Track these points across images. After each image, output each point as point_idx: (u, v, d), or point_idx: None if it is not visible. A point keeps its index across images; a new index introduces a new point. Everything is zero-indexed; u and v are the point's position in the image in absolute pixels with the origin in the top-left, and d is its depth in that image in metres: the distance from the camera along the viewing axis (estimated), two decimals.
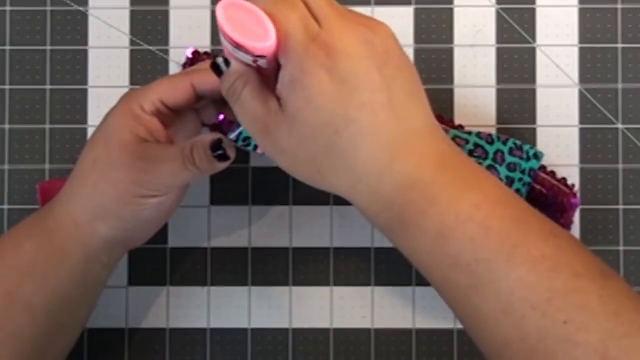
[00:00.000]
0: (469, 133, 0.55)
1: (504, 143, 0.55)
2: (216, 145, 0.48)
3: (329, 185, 0.46)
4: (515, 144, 0.55)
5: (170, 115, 0.51)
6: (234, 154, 0.49)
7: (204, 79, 0.50)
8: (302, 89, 0.43)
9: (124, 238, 0.51)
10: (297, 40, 0.43)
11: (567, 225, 0.57)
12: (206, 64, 0.49)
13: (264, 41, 0.42)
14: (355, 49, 0.43)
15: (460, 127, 0.58)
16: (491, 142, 0.55)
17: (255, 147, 0.49)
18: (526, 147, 0.56)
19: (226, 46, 0.45)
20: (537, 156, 0.56)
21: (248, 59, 0.44)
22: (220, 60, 0.46)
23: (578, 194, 0.58)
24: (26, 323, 0.49)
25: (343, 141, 0.44)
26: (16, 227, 0.52)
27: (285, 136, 0.44)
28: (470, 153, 0.54)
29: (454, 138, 0.54)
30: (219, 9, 0.42)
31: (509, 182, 0.54)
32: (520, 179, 0.55)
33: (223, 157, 0.48)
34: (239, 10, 0.42)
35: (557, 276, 0.43)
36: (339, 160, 0.44)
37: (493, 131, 0.60)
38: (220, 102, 0.53)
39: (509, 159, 0.55)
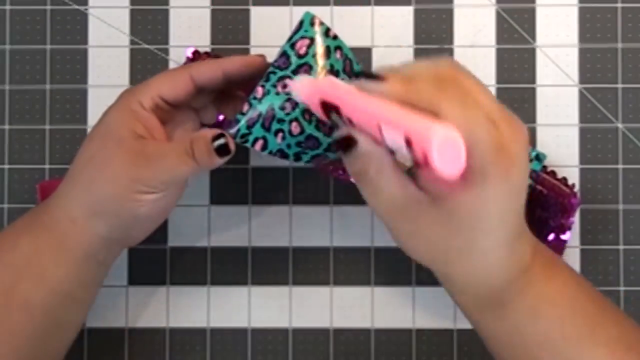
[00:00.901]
0: None
1: None
2: (217, 138, 0.48)
3: (443, 271, 0.46)
4: None
5: (169, 110, 0.51)
6: (234, 148, 0.49)
7: (203, 70, 0.51)
8: (478, 193, 0.42)
9: (121, 236, 0.51)
10: (486, 153, 0.41)
11: (568, 226, 0.57)
12: (211, 61, 0.50)
13: (458, 167, 0.39)
14: (524, 156, 0.43)
15: None
16: None
17: (254, 143, 0.49)
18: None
19: (365, 124, 0.42)
20: (539, 158, 0.56)
21: (400, 147, 0.41)
22: (339, 136, 0.44)
23: (578, 194, 0.58)
24: (24, 321, 0.49)
25: (488, 243, 0.43)
26: (13, 224, 0.52)
27: (428, 224, 0.43)
28: None
29: None
30: (434, 147, 0.38)
31: None
32: None
33: (223, 150, 0.48)
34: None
35: (631, 357, 0.45)
36: (473, 257, 0.44)
37: None
38: (220, 101, 0.53)
39: None
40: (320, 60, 0.49)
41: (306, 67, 0.49)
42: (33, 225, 0.51)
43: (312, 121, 0.50)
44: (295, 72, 0.49)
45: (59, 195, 0.50)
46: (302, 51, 0.49)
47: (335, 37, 0.50)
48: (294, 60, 0.49)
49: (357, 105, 0.43)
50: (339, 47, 0.50)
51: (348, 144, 0.44)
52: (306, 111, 0.49)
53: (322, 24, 0.49)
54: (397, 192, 0.44)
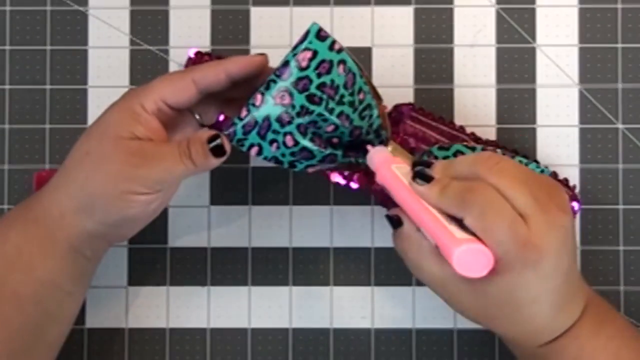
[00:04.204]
0: (473, 149, 0.54)
1: None
2: (213, 139, 0.49)
3: (489, 328, 0.50)
4: (520, 162, 0.54)
5: (171, 114, 0.51)
6: (230, 149, 0.49)
7: (205, 74, 0.51)
8: (507, 284, 0.46)
9: (107, 233, 0.51)
10: (509, 251, 0.45)
11: None
12: (213, 63, 0.51)
13: (485, 270, 0.44)
14: (558, 245, 0.45)
15: (461, 128, 0.58)
16: None
17: (249, 148, 0.49)
18: (532, 165, 0.54)
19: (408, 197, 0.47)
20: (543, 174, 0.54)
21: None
22: (391, 214, 0.50)
23: (579, 197, 0.58)
24: (14, 312, 0.49)
25: (524, 313, 0.47)
26: (5, 216, 0.52)
27: (467, 297, 0.47)
28: None
29: (455, 153, 0.54)
30: (454, 261, 0.44)
31: None
32: None
33: (219, 151, 0.49)
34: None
35: None
36: (512, 321, 0.48)
37: (493, 131, 0.60)
38: (221, 100, 0.53)
39: None
40: (320, 77, 0.49)
41: (305, 81, 0.49)
42: (24, 216, 0.51)
43: (307, 134, 0.50)
44: (295, 84, 0.49)
45: (52, 187, 0.50)
46: (304, 64, 0.49)
47: (339, 51, 0.49)
48: (294, 72, 0.49)
49: (403, 202, 0.48)
50: (342, 61, 0.49)
51: (396, 222, 0.49)
52: (301, 125, 0.49)
53: (327, 37, 0.49)
54: (435, 271, 0.48)
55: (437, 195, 0.46)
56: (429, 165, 0.48)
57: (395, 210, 0.50)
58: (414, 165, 0.48)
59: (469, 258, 0.44)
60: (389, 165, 0.50)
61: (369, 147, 0.51)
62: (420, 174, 0.47)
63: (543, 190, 0.46)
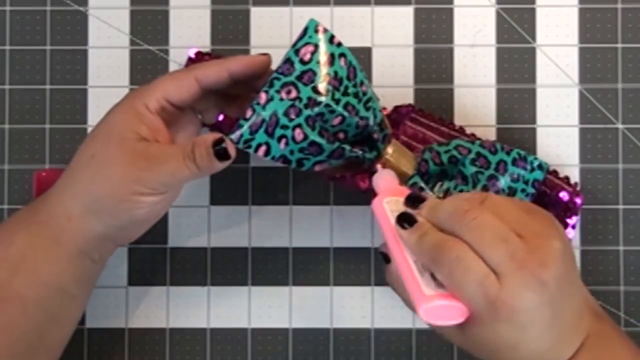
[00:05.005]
0: (473, 142, 0.55)
1: (508, 153, 0.54)
2: (218, 143, 0.48)
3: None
4: (519, 154, 0.54)
5: (174, 113, 0.51)
6: (235, 154, 0.49)
7: (208, 72, 0.51)
8: (482, 332, 0.45)
9: (115, 235, 0.51)
10: (479, 306, 0.44)
11: (572, 225, 0.57)
12: (215, 62, 0.51)
13: (458, 319, 0.45)
14: (533, 302, 0.44)
15: (461, 128, 0.58)
16: (494, 152, 0.54)
17: (257, 148, 0.49)
18: (530, 157, 0.54)
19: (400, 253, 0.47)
20: (541, 167, 0.55)
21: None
22: (381, 250, 0.50)
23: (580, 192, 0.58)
24: (18, 315, 0.49)
25: (504, 356, 0.46)
26: (9, 219, 0.52)
27: (451, 333, 0.47)
28: (473, 162, 0.53)
29: (456, 147, 0.54)
30: (421, 315, 0.44)
31: (512, 192, 0.54)
32: (523, 190, 0.54)
33: (224, 155, 0.49)
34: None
35: None
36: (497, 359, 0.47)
37: (493, 131, 0.60)
38: (222, 100, 0.53)
39: (512, 169, 0.54)
40: (324, 68, 0.49)
41: (310, 74, 0.49)
42: (29, 220, 0.51)
43: (315, 128, 0.50)
44: (299, 78, 0.49)
45: (57, 190, 0.50)
46: (306, 58, 0.49)
47: (339, 44, 0.50)
48: (297, 66, 0.49)
49: (388, 242, 0.48)
50: (343, 54, 0.50)
51: (385, 258, 0.50)
52: (310, 118, 0.49)
53: (326, 30, 0.49)
54: None
55: (415, 243, 0.46)
56: (421, 200, 0.47)
57: (384, 247, 0.50)
58: (406, 199, 0.48)
59: (439, 311, 0.44)
60: (383, 198, 0.49)
61: (378, 166, 0.52)
62: (404, 217, 0.47)
63: (526, 243, 0.44)
